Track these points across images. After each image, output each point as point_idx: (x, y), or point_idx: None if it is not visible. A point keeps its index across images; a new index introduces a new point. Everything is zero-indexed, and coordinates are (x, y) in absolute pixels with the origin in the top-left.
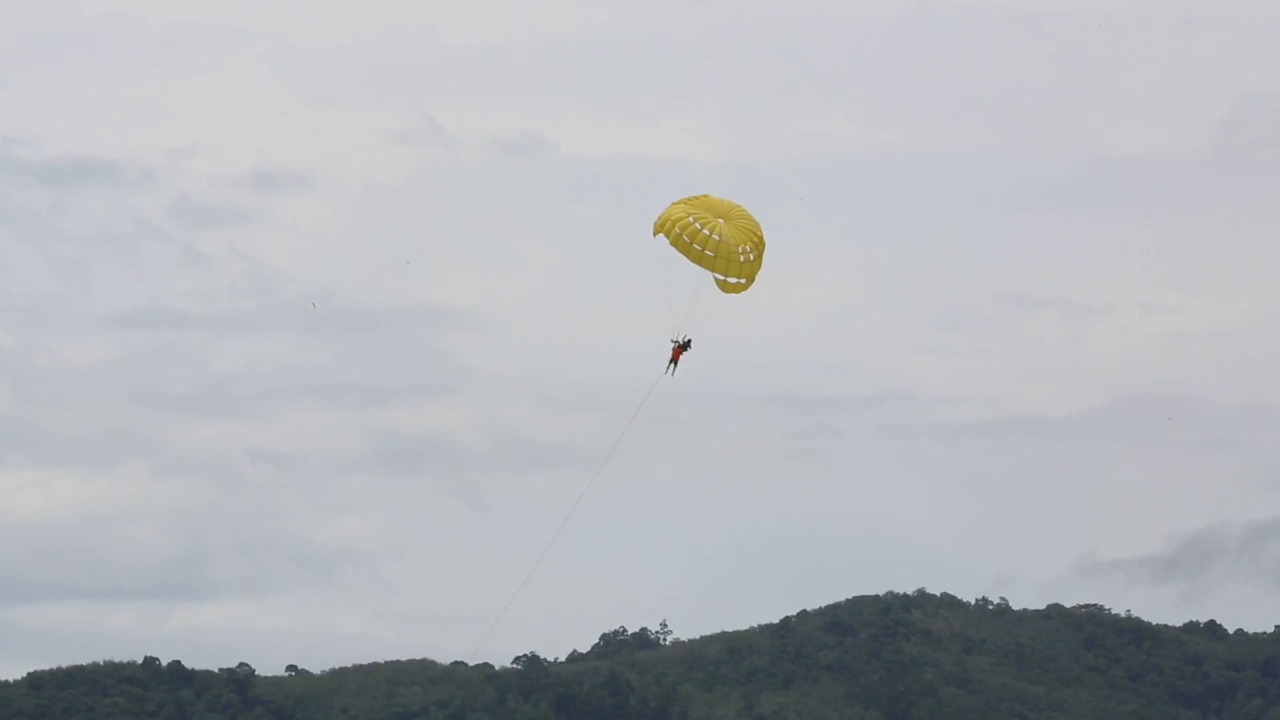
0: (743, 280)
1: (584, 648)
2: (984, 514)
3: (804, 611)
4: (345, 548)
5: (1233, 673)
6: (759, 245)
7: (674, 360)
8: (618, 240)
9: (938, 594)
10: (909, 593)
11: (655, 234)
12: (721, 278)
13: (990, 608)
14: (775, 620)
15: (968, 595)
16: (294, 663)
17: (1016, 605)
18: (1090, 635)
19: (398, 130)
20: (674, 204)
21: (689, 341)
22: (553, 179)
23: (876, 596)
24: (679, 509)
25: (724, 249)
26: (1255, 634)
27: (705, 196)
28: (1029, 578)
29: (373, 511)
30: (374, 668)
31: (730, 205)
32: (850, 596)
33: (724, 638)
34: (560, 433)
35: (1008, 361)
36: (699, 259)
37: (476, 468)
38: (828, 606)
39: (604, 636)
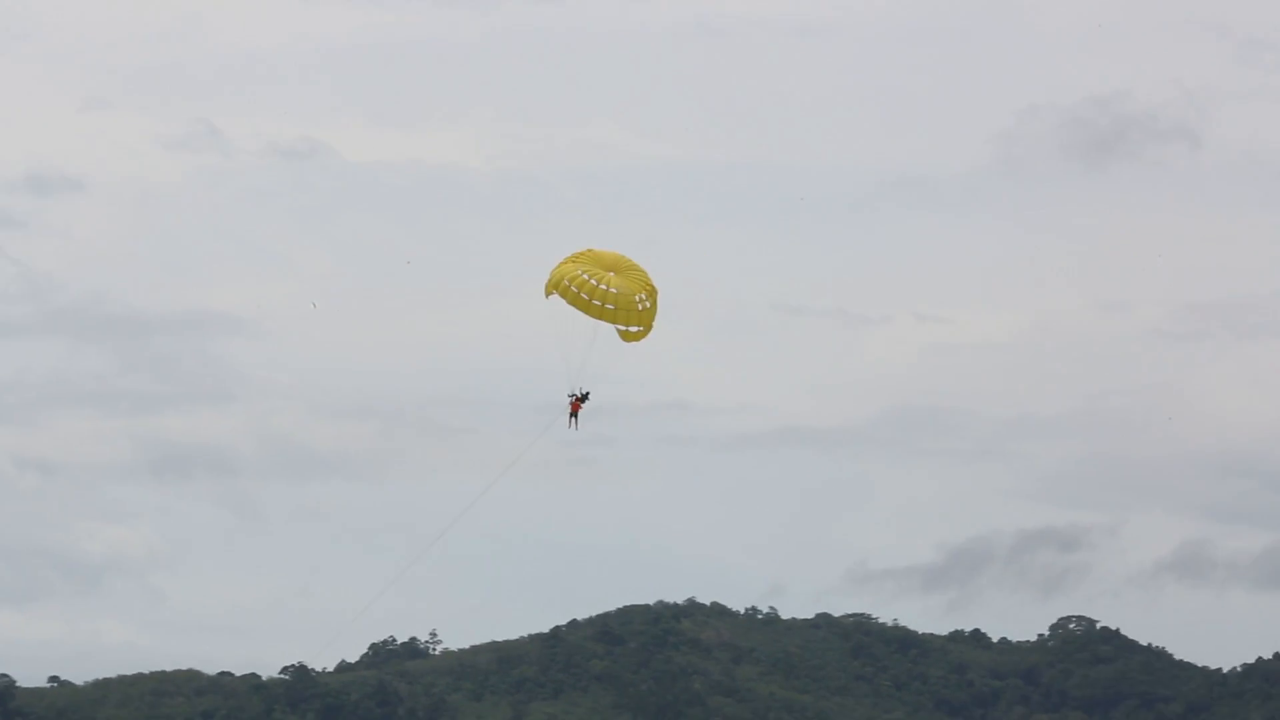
0: (642, 328)
1: (353, 658)
2: (758, 524)
3: (574, 621)
4: (114, 556)
5: (996, 681)
6: (653, 293)
7: (574, 414)
8: (392, 247)
9: (708, 603)
10: (679, 602)
11: (548, 294)
12: (623, 328)
13: (759, 617)
14: (545, 630)
15: (739, 605)
16: (57, 674)
17: (786, 614)
18: (858, 644)
19: (174, 135)
20: (562, 263)
21: (587, 394)
22: (330, 185)
23: (647, 606)
24: (450, 518)
25: (622, 300)
26: (1019, 643)
27: (590, 251)
28: (801, 587)
29: (142, 520)
30: (138, 678)
31: (616, 257)
32: (621, 606)
33: (494, 647)
34: (334, 441)
35: (782, 371)
36: (599, 313)
37: (249, 476)
38: (598, 616)
39: (373, 646)
